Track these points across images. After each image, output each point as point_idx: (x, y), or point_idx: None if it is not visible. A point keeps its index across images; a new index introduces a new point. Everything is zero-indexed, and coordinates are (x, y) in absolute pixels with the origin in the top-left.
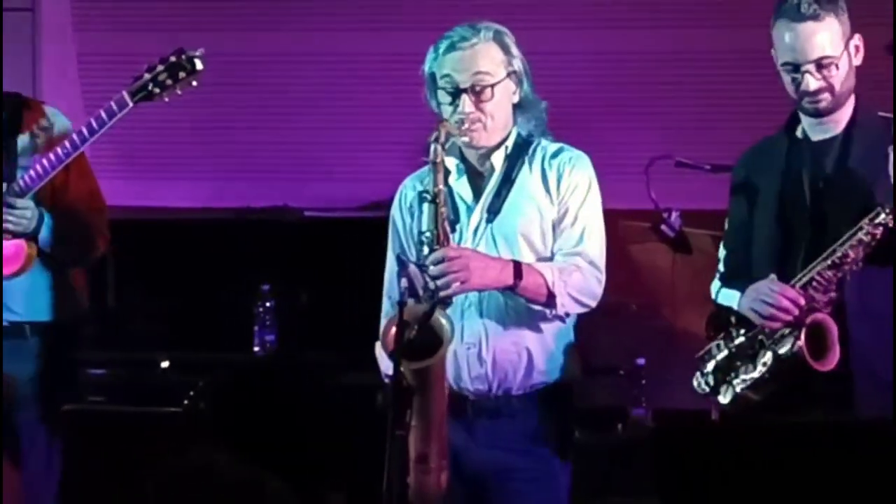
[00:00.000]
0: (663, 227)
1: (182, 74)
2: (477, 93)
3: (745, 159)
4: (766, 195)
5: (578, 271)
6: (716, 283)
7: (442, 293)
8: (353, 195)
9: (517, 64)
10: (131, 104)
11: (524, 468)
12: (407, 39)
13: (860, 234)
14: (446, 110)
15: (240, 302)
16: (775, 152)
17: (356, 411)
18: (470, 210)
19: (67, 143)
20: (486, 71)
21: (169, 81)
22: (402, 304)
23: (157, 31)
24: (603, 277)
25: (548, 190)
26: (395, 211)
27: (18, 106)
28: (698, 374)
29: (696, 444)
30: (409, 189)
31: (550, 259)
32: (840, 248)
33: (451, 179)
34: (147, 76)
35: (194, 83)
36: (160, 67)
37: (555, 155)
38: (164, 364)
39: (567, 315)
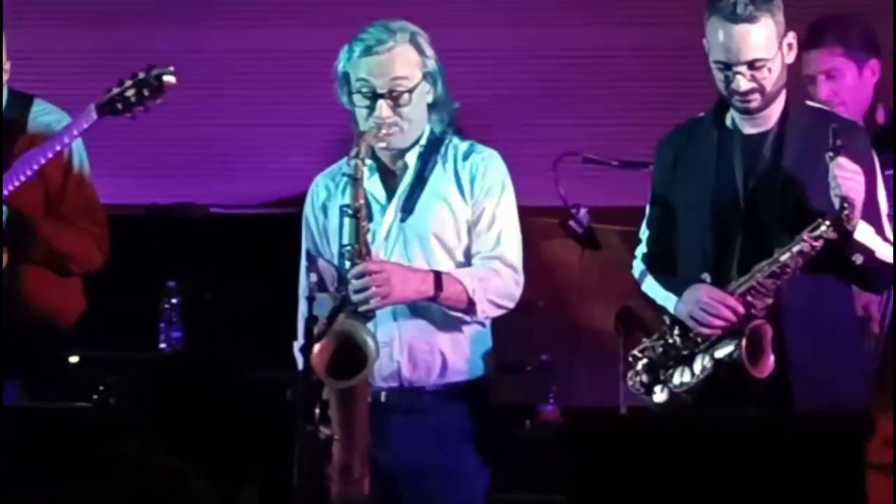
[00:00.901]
0: (571, 223)
1: (147, 93)
2: (394, 98)
3: (673, 140)
4: (698, 190)
5: (497, 276)
6: (639, 264)
7: (363, 308)
8: (258, 191)
9: (431, 65)
10: (96, 116)
11: (438, 465)
12: (315, 36)
13: (801, 245)
14: (362, 113)
15: (146, 299)
16: (705, 141)
17: (264, 407)
18: (383, 210)
19: (39, 154)
20: (404, 76)
21: (134, 99)
22: (311, 299)
23: (54, 28)
24: (521, 279)
25: (461, 190)
26: (307, 209)
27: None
28: (632, 372)
29: (601, 439)
30: (320, 188)
31: (465, 259)
32: (780, 257)
33: (365, 178)
34: (116, 91)
35: (158, 100)
36: (128, 83)
37: (467, 154)
38: (74, 360)
39: (487, 319)
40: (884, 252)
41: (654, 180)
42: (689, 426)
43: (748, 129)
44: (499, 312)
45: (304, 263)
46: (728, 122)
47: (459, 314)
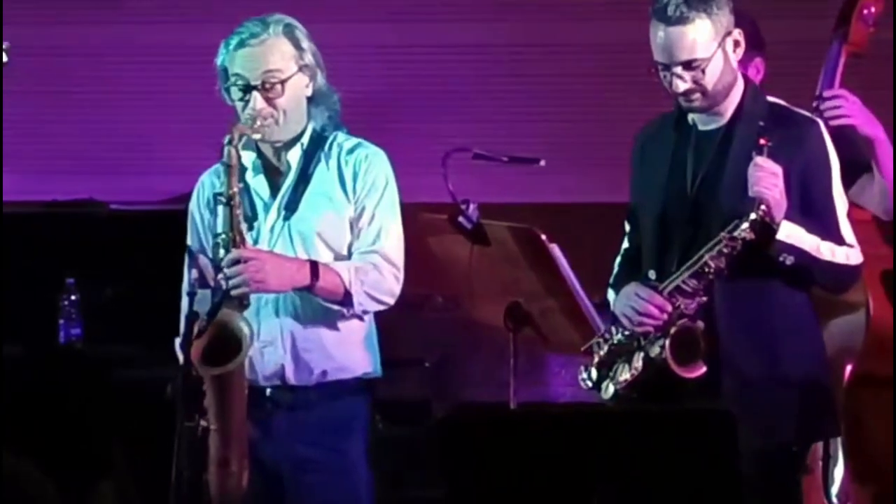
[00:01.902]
0: (461, 218)
1: None
2: (267, 89)
3: (642, 134)
4: (654, 185)
5: (375, 270)
6: (618, 259)
7: (236, 292)
8: (158, 188)
9: (308, 58)
10: None
11: (321, 460)
12: (209, 31)
13: (720, 246)
14: (239, 106)
15: (46, 296)
16: (666, 136)
17: (149, 403)
18: (267, 207)
19: None
20: (277, 68)
21: None
22: (192, 295)
23: None
24: (401, 274)
25: (344, 188)
26: (193, 206)
27: None
28: (582, 368)
29: (479, 433)
30: (206, 185)
31: (348, 257)
32: (702, 257)
33: (248, 176)
34: None
35: None
36: None
37: (351, 151)
38: None
39: (365, 313)
40: (826, 251)
41: (631, 174)
42: (576, 417)
43: (704, 126)
44: (377, 307)
45: (186, 260)
46: (689, 119)
47: (336, 306)
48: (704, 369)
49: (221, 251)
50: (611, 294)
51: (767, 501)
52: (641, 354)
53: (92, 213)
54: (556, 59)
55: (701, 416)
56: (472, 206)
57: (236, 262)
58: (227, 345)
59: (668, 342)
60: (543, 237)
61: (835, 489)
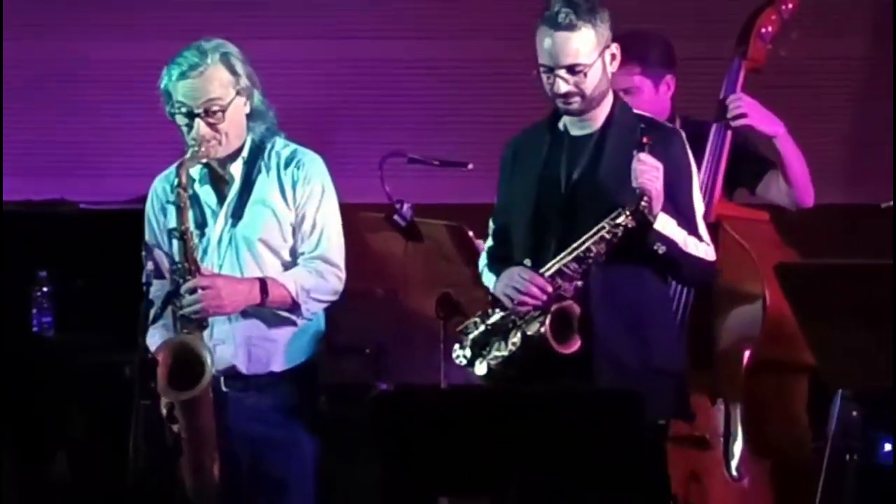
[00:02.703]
0: (396, 217)
1: None
2: (209, 115)
3: (514, 141)
4: (527, 184)
5: (319, 275)
6: (483, 257)
7: (196, 316)
8: (123, 189)
9: (244, 81)
10: None
11: (274, 437)
12: (169, 47)
13: (602, 233)
14: (184, 129)
15: (20, 287)
16: (539, 141)
17: (110, 384)
18: (215, 215)
19: None
20: (217, 96)
21: None
22: (148, 285)
23: None
24: (343, 273)
25: (284, 196)
26: (148, 209)
27: None
28: (457, 346)
29: (409, 411)
30: (158, 190)
31: (291, 258)
32: (584, 243)
33: (196, 186)
34: None
35: None
36: None
37: (289, 161)
38: None
39: (312, 314)
40: (692, 246)
41: (500, 178)
42: (497, 398)
43: (575, 132)
44: (322, 307)
45: (143, 253)
46: (560, 125)
47: (286, 314)
48: (579, 344)
49: (179, 279)
50: (487, 278)
51: (639, 471)
52: (519, 332)
53: (63, 212)
54: (477, 73)
55: (611, 396)
56: (405, 206)
57: (193, 290)
58: (190, 366)
59: (548, 319)
60: (471, 234)
61: (734, 463)
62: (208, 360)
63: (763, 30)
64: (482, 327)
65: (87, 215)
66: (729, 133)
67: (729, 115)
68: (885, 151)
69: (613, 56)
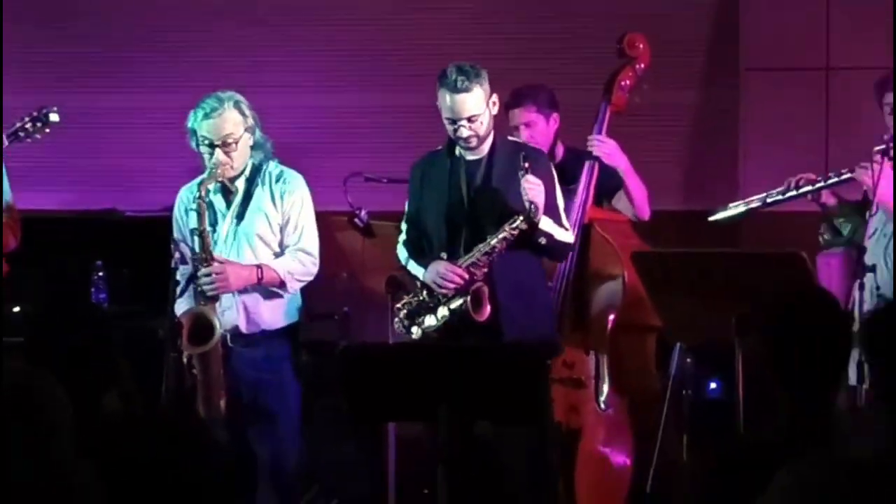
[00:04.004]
0: (356, 220)
1: (39, 125)
2: (226, 146)
3: (420, 164)
4: (437, 197)
5: (300, 262)
6: (402, 250)
7: (210, 294)
8: (155, 201)
9: (250, 122)
10: (7, 143)
11: (267, 381)
12: (187, 97)
13: (504, 234)
14: (206, 156)
15: (84, 272)
16: (442, 165)
17: (148, 341)
18: (224, 216)
19: None
20: (230, 132)
21: (31, 129)
22: (175, 269)
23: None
24: (317, 261)
25: (274, 204)
26: (176, 212)
27: None
28: (397, 318)
29: (367, 362)
30: (183, 197)
31: (280, 249)
32: (491, 242)
33: (211, 195)
34: (18, 125)
35: (48, 130)
36: (27, 119)
37: (278, 178)
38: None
39: (295, 290)
40: (560, 235)
41: (409, 192)
42: (430, 351)
43: (469, 157)
44: (302, 285)
45: (172, 246)
46: (457, 152)
47: (276, 289)
48: (489, 312)
49: (199, 266)
50: (414, 268)
51: (535, 399)
52: (445, 308)
53: (113, 218)
54: (407, 115)
55: (514, 348)
56: (363, 212)
57: (209, 274)
58: (204, 329)
59: (469, 298)
60: None
61: (602, 398)
62: (217, 325)
63: (623, 82)
64: (415, 304)
65: (130, 220)
66: (594, 168)
67: (590, 149)
68: (709, 173)
69: (495, 103)
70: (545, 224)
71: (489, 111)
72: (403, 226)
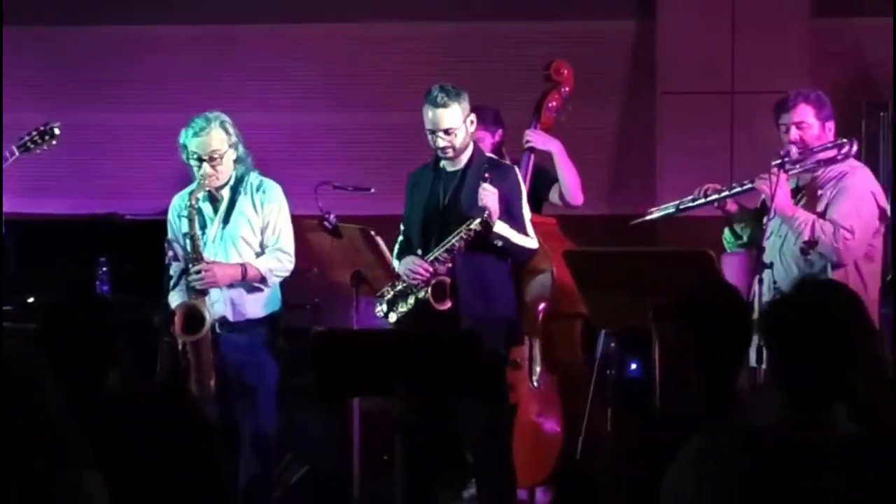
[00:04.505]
0: (325, 222)
1: (47, 138)
2: (213, 161)
3: (415, 172)
4: (420, 203)
5: (278, 260)
6: (396, 247)
7: (200, 288)
8: (151, 206)
9: (234, 139)
10: (18, 154)
11: (248, 361)
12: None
13: (461, 234)
14: (195, 169)
15: (90, 267)
16: (428, 175)
17: (145, 328)
18: (212, 221)
19: None
20: (217, 149)
21: (39, 141)
22: (168, 266)
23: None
24: (293, 259)
25: (255, 210)
26: (170, 215)
27: None
28: (377, 304)
29: (333, 343)
30: (175, 204)
31: (261, 249)
32: (451, 240)
33: (200, 202)
34: (26, 138)
35: (54, 143)
36: (34, 133)
37: (258, 187)
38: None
39: (274, 284)
40: (519, 240)
41: (406, 198)
42: (388, 336)
43: (449, 168)
44: (280, 280)
45: (165, 246)
46: (441, 164)
47: (258, 284)
48: (450, 304)
49: (190, 264)
50: (395, 263)
51: (490, 382)
52: (413, 297)
53: (115, 221)
54: (370, 133)
55: (457, 334)
56: (332, 216)
57: (199, 272)
58: (196, 319)
59: (430, 289)
60: (373, 233)
61: (535, 377)
62: (208, 316)
63: (550, 104)
64: (392, 293)
65: (129, 223)
66: (530, 159)
67: (524, 145)
68: (630, 182)
69: (472, 122)
70: (501, 228)
71: (466, 127)
72: (401, 228)
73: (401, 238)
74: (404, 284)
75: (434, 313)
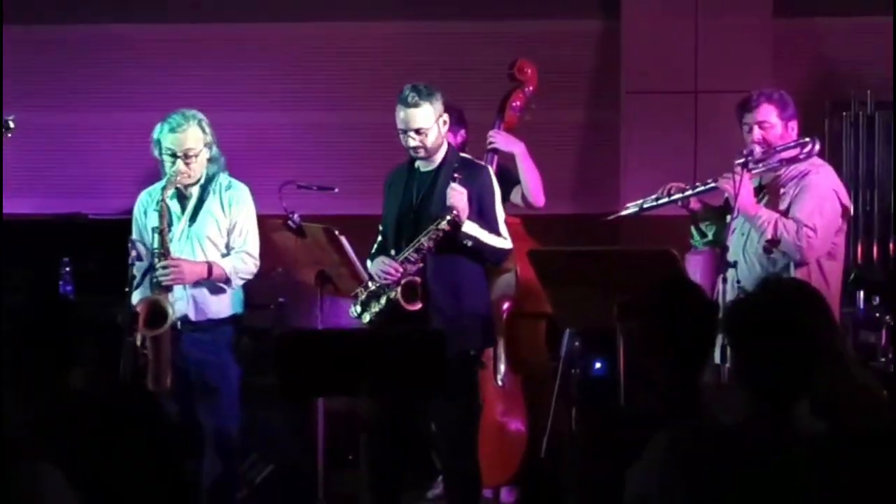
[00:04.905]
0: (290, 222)
1: (3, 130)
2: (187, 158)
3: (391, 172)
4: (395, 203)
5: (242, 262)
6: (374, 248)
7: (165, 284)
8: (113, 206)
9: (209, 138)
10: None
11: (210, 360)
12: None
13: (430, 233)
14: (168, 164)
15: (53, 267)
16: (403, 174)
17: (109, 325)
18: (179, 218)
19: None
20: (192, 147)
21: None
22: (132, 265)
23: None
24: (258, 261)
25: (223, 210)
26: (135, 213)
27: None
28: (352, 306)
29: (297, 344)
30: (143, 200)
31: (227, 250)
32: (420, 240)
33: (169, 199)
34: None
35: (9, 135)
36: None
37: (226, 188)
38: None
39: (238, 285)
40: (490, 240)
41: (384, 197)
42: (353, 336)
43: (423, 168)
44: (245, 281)
45: (130, 244)
46: (416, 165)
47: (222, 284)
48: (421, 305)
49: (156, 259)
50: (369, 263)
51: (458, 383)
52: (385, 297)
53: (79, 220)
54: (339, 132)
55: (424, 334)
56: (296, 215)
57: (166, 267)
58: (158, 314)
59: (400, 289)
60: (337, 232)
61: (500, 376)
62: (171, 312)
63: (514, 103)
64: (365, 294)
65: (93, 222)
66: (494, 160)
67: (487, 146)
68: (594, 182)
69: (445, 122)
70: (470, 228)
71: (438, 127)
72: (380, 228)
73: (379, 238)
74: (376, 285)
75: (405, 313)
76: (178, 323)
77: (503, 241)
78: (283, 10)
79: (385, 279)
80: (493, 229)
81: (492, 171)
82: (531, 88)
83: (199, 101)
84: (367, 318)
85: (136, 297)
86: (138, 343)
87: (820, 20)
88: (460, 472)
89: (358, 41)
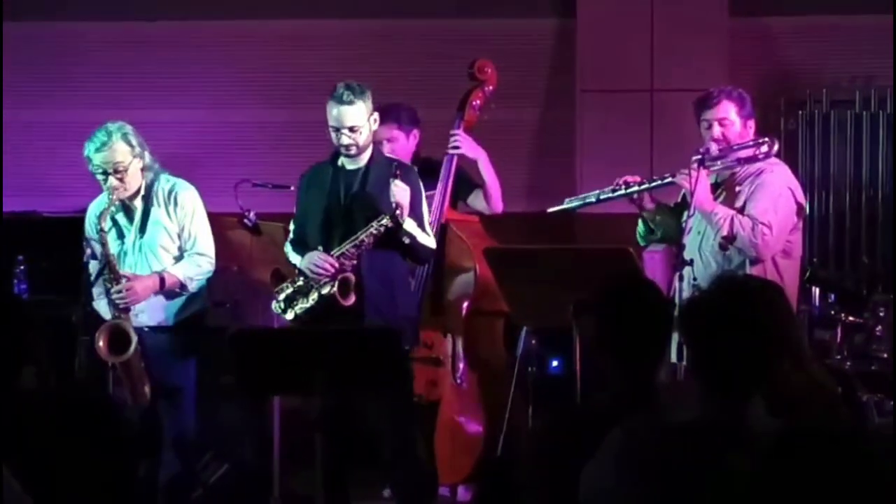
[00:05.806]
0: (245, 220)
1: None
2: (118, 173)
3: (308, 172)
4: (319, 201)
5: (196, 265)
6: (288, 245)
7: (122, 305)
8: (69, 204)
9: (137, 149)
10: None
11: (173, 363)
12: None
13: (371, 230)
14: (101, 181)
15: (6, 266)
16: (326, 172)
17: (63, 325)
18: (128, 231)
19: None
20: (120, 161)
21: None
22: (86, 264)
23: None
24: (213, 259)
25: (169, 216)
26: (87, 221)
27: None
28: (274, 301)
29: (253, 341)
30: (92, 208)
31: (180, 253)
32: (360, 236)
33: (114, 213)
34: None
35: None
36: None
37: (169, 192)
38: None
39: (196, 288)
40: (422, 239)
41: (296, 198)
42: (306, 334)
43: (349, 166)
44: (202, 281)
45: (84, 244)
46: (339, 162)
47: (178, 290)
48: (354, 299)
49: (108, 284)
50: (293, 258)
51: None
52: (316, 293)
53: (33, 218)
54: (294, 130)
55: (377, 332)
56: (252, 213)
57: (119, 291)
58: (121, 338)
59: (336, 284)
60: None
61: (458, 374)
62: (133, 336)
63: (474, 102)
64: (291, 289)
65: (47, 220)
66: (454, 160)
67: (450, 147)
68: (550, 180)
69: (376, 120)
70: (409, 226)
71: (369, 125)
72: (291, 226)
73: (291, 237)
74: (305, 280)
75: (339, 309)
76: (144, 328)
77: (431, 241)
78: (237, 8)
79: (319, 274)
80: (423, 227)
81: (416, 171)
82: (491, 88)
83: (150, 99)
84: (291, 314)
85: (98, 304)
86: (109, 364)
87: (776, 19)
88: (403, 470)
89: (315, 39)
